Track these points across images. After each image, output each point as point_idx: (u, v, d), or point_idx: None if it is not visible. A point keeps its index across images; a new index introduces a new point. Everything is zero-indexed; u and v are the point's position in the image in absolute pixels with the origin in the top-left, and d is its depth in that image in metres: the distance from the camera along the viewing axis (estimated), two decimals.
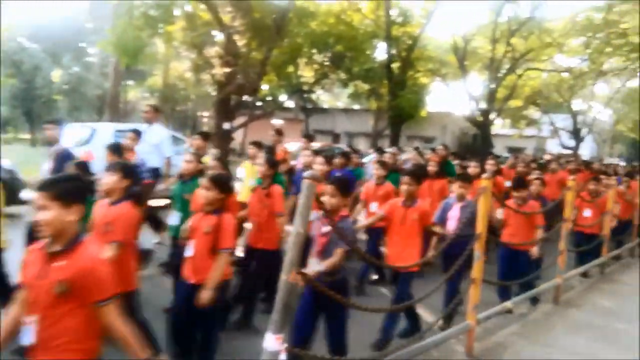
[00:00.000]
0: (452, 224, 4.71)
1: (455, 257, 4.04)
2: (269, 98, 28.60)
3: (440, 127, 30.79)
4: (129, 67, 22.77)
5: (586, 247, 6.97)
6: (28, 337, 2.02)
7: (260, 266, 4.43)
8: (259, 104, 25.66)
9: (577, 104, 34.45)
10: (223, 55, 14.97)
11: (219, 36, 16.20)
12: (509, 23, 23.61)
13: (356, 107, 35.12)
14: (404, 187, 4.36)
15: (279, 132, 7.62)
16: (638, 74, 28.61)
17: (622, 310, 5.72)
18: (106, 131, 10.58)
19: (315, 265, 3.15)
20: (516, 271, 5.26)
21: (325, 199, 3.19)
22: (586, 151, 41.27)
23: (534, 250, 5.36)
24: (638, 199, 8.76)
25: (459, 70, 25.06)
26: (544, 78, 31.11)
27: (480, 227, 3.92)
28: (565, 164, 11.98)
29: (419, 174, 4.71)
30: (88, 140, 10.13)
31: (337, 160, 6.78)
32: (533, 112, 36.03)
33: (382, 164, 6.06)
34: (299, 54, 21.26)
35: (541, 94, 32.33)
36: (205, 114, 30.03)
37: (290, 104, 30.32)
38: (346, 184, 3.36)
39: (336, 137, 32.76)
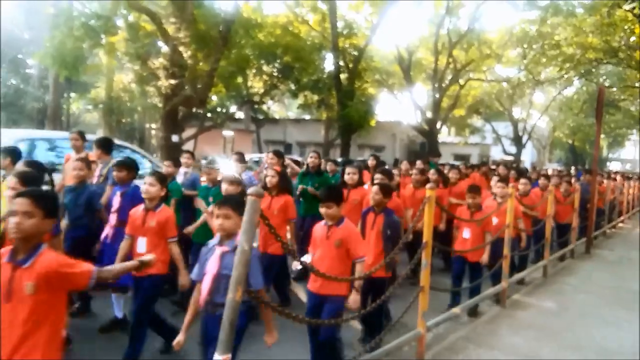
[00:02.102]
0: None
1: None
2: (219, 109, 28.27)
3: (389, 135, 31.39)
4: (70, 79, 21.96)
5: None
6: None
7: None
8: (208, 115, 25.29)
9: (517, 112, 36.04)
10: (168, 66, 14.69)
11: (164, 47, 15.90)
12: (449, 35, 24.43)
13: (307, 117, 35.30)
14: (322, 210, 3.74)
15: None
16: (573, 82, 30.27)
17: (565, 310, 5.96)
18: (45, 146, 10.11)
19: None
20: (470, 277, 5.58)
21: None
22: (527, 157, 43.16)
23: (484, 258, 5.52)
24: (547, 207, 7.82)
25: (405, 81, 25.69)
26: (485, 88, 32.39)
27: (426, 235, 3.99)
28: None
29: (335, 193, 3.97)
30: (28, 155, 9.65)
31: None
32: (476, 121, 37.39)
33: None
34: (247, 65, 21.17)
35: (483, 103, 33.63)
36: (153, 126, 29.31)
37: (240, 115, 30.09)
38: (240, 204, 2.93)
39: (288, 148, 32.77)
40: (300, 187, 6.73)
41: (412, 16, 31.96)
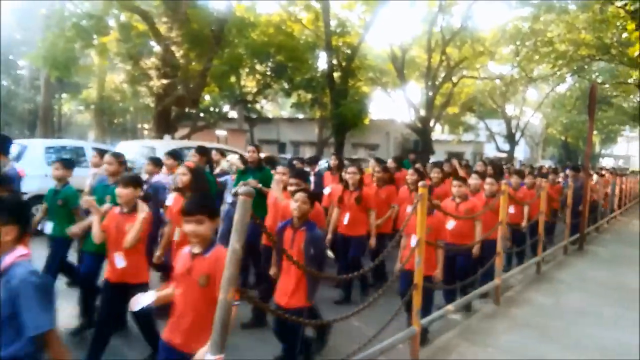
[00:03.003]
0: None
1: None
2: (212, 109, 28.22)
3: (383, 134, 31.39)
4: (62, 80, 21.85)
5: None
6: None
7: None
8: (202, 115, 25.24)
9: (510, 110, 36.18)
10: (160, 66, 14.65)
11: (156, 47, 15.84)
12: (443, 33, 24.46)
13: (300, 116, 35.26)
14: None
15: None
16: (565, 79, 30.39)
17: (559, 307, 5.97)
18: (37, 147, 10.06)
19: None
20: (458, 272, 5.45)
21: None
22: (520, 154, 43.32)
23: (475, 250, 5.56)
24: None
25: (398, 79, 25.69)
26: (478, 85, 32.46)
27: (420, 232, 3.98)
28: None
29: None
30: (18, 158, 9.59)
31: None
32: (470, 118, 37.48)
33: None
34: (240, 64, 21.13)
35: (476, 101, 33.71)
36: (146, 126, 29.21)
37: (233, 114, 30.04)
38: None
39: (282, 147, 32.71)
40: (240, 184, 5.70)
41: (405, 14, 32.02)
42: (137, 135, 30.33)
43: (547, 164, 30.86)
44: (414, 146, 30.15)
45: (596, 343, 4.82)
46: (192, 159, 6.42)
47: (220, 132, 24.64)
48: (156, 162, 6.05)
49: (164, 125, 15.48)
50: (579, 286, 7.03)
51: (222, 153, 8.05)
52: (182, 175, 4.48)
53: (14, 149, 9.93)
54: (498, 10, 60.60)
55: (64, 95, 29.98)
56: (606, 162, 55.82)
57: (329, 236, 5.86)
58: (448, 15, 25.35)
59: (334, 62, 22.56)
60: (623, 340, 4.89)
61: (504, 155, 34.77)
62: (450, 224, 5.33)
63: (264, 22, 22.96)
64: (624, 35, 20.05)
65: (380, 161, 7.33)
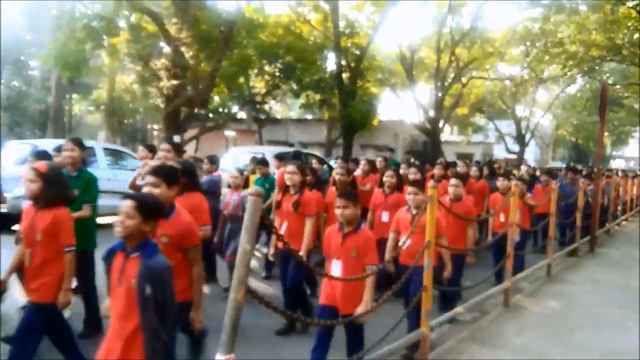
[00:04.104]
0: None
1: None
2: (221, 110, 28.29)
3: (392, 135, 31.30)
4: (73, 81, 22.04)
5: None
6: None
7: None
8: (210, 115, 25.33)
9: (520, 111, 35.96)
10: (170, 67, 14.72)
11: (165, 48, 15.93)
12: (452, 33, 24.37)
13: (309, 117, 35.26)
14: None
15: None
16: (576, 80, 30.15)
17: (570, 309, 5.92)
18: (48, 148, 10.13)
19: None
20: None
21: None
22: (531, 156, 43.06)
23: (470, 258, 5.52)
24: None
25: (407, 80, 25.63)
26: (487, 86, 32.28)
27: (430, 234, 3.96)
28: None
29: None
30: (30, 158, 9.67)
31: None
32: (479, 119, 37.28)
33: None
34: (249, 65, 21.19)
35: (486, 102, 33.52)
36: (155, 126, 29.36)
37: (242, 115, 30.10)
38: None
39: (290, 147, 32.70)
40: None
41: (414, 15, 31.95)
42: (146, 136, 30.48)
43: (557, 165, 30.65)
44: (423, 147, 30.05)
45: (606, 345, 4.77)
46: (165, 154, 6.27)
47: (229, 133, 24.72)
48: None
49: (174, 126, 15.56)
50: (590, 288, 6.96)
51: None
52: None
53: (24, 150, 10.08)
54: (508, 10, 60.37)
55: (74, 96, 30.19)
56: (617, 164, 55.33)
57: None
58: (457, 16, 25.28)
59: (343, 63, 22.57)
60: (634, 343, 4.84)
61: (513, 156, 34.56)
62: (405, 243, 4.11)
63: (272, 23, 23.01)
64: (636, 36, 19.91)
65: (345, 160, 6.96)
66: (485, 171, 9.21)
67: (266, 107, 30.22)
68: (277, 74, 23.54)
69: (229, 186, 6.00)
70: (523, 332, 5.02)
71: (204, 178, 6.37)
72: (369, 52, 23.87)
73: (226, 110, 28.68)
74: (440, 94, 26.31)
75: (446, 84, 26.63)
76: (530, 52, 25.55)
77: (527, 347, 4.63)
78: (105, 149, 10.65)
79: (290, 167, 4.81)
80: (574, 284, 7.15)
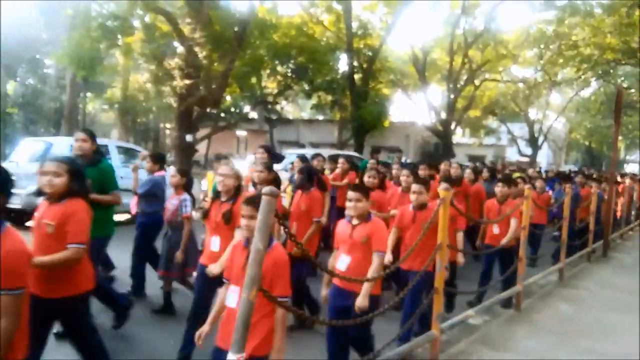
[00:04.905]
0: None
1: None
2: (233, 109, 28.40)
3: (403, 136, 31.21)
4: (87, 79, 22.25)
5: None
6: None
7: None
8: (222, 115, 25.45)
9: (532, 113, 35.67)
10: (184, 67, 14.80)
11: (179, 48, 16.02)
12: (465, 35, 24.27)
13: (320, 117, 35.30)
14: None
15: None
16: (590, 83, 29.85)
17: (581, 315, 5.88)
18: (62, 145, 10.26)
19: None
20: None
21: None
22: (543, 159, 42.71)
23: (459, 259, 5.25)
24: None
25: (420, 81, 25.56)
26: (500, 88, 32.07)
27: (441, 236, 3.96)
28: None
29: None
30: (43, 155, 9.81)
31: None
32: (491, 122, 37.05)
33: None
34: (261, 65, 21.23)
35: (498, 104, 33.29)
36: (168, 126, 29.56)
37: (254, 115, 30.19)
38: None
39: (301, 148, 32.73)
40: None
41: (427, 16, 31.86)
42: (159, 135, 30.70)
43: (570, 168, 30.35)
44: (434, 149, 29.95)
45: (617, 350, 4.74)
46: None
47: (241, 133, 24.85)
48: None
49: (186, 125, 15.62)
50: (602, 293, 6.91)
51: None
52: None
53: (39, 147, 10.21)
54: (522, 12, 59.81)
55: (88, 94, 30.48)
56: (631, 168, 54.67)
57: None
58: (471, 17, 25.16)
59: (355, 64, 22.55)
60: None
61: (526, 159, 34.30)
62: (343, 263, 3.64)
63: (285, 24, 23.05)
64: None
65: (268, 156, 6.22)
66: (486, 174, 8.85)
67: (277, 107, 30.29)
68: (289, 74, 23.58)
69: (254, 184, 4.87)
70: (533, 335, 4.99)
71: (147, 179, 5.70)
72: (381, 53, 23.84)
73: (238, 110, 28.79)
74: (452, 96, 26.22)
75: (459, 85, 26.53)
76: (544, 54, 25.36)
77: (536, 350, 4.61)
78: (119, 147, 10.77)
79: (223, 169, 3.94)
80: (586, 289, 7.09)
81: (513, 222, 5.77)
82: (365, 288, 3.38)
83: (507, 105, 34.11)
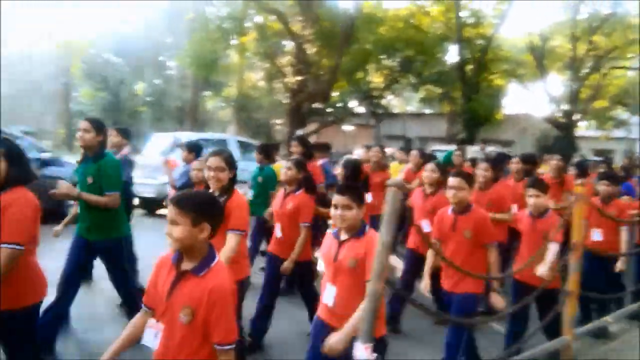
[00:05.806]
0: None
1: None
2: (340, 104, 28.70)
3: (518, 130, 29.50)
4: (206, 79, 23.75)
5: None
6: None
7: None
8: (329, 110, 25.83)
9: None
10: (294, 63, 15.24)
11: (289, 45, 16.53)
12: (589, 20, 22.38)
13: (428, 111, 34.49)
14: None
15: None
16: None
17: None
18: (187, 139, 11.01)
19: None
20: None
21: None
22: None
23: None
24: None
25: (537, 71, 24.06)
26: (630, 76, 29.12)
27: (576, 235, 3.65)
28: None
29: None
30: (172, 149, 10.62)
31: None
32: (621, 113, 33.77)
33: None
34: (368, 60, 21.22)
35: (628, 94, 30.23)
36: (278, 121, 30.64)
37: (360, 109, 30.24)
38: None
39: (408, 142, 32.25)
40: None
41: (545, 1, 29.76)
42: (269, 130, 31.92)
43: None
44: (554, 142, 27.95)
45: None
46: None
47: (347, 128, 25.02)
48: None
49: (296, 120, 16.10)
50: None
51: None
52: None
53: (168, 141, 11.04)
54: None
55: (207, 93, 32.51)
56: None
57: None
58: (594, 2, 23.09)
59: (466, 54, 21.71)
60: None
61: None
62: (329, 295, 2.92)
63: (392, 17, 22.77)
64: None
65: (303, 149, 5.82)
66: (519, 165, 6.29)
67: (384, 101, 30.07)
68: (396, 67, 23.28)
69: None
70: None
71: (181, 168, 5.63)
72: (494, 42, 22.72)
73: (344, 105, 29.03)
74: (575, 86, 24.30)
75: (582, 74, 24.51)
76: None
77: None
78: (238, 142, 11.37)
79: (213, 159, 3.31)
80: None
81: (624, 234, 4.74)
82: (348, 326, 2.54)
83: (637, 95, 30.87)
